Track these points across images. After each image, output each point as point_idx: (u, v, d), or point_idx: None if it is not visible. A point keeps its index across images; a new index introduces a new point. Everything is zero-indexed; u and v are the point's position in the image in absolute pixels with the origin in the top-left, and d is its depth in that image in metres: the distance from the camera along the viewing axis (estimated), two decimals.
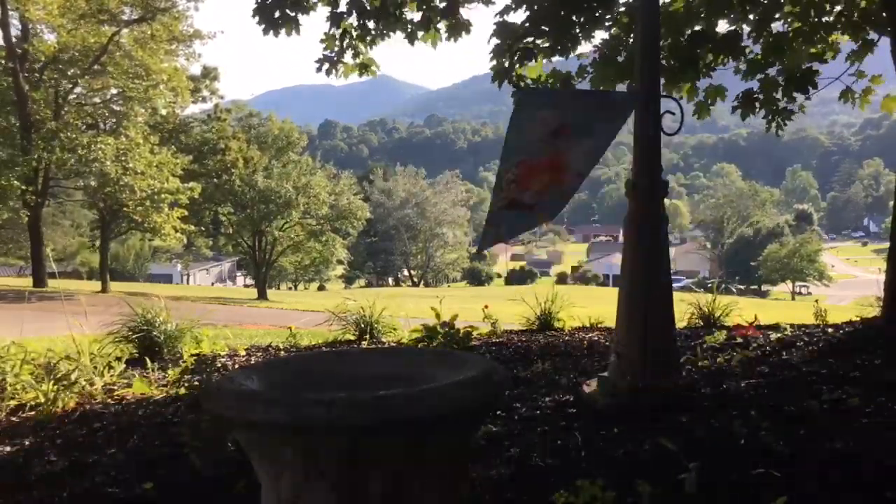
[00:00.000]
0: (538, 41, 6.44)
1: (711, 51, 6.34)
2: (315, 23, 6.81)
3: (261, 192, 29.60)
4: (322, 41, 6.98)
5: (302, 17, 6.56)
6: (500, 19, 6.41)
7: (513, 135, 3.68)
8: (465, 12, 6.85)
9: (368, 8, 6.65)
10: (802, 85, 6.59)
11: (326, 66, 7.10)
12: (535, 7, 6.23)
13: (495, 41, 6.47)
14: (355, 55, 7.16)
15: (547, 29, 6.30)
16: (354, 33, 6.89)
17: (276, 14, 6.40)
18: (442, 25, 6.84)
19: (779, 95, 6.83)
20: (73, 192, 26.51)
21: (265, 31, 6.48)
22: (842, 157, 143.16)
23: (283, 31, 6.49)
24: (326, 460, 1.79)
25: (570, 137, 3.78)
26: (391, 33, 6.94)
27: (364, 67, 7.26)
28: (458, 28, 6.82)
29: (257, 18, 6.41)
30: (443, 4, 6.76)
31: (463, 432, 2.03)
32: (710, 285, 9.32)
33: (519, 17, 6.47)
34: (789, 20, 6.69)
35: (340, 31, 6.88)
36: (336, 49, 7.00)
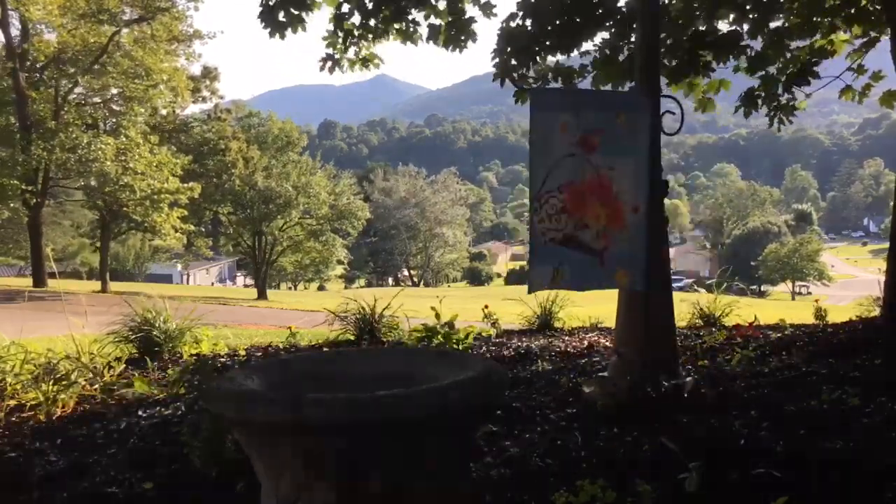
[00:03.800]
0: (542, 41, 6.47)
1: (712, 50, 6.35)
2: (316, 22, 6.83)
3: (261, 191, 29.61)
4: (324, 38, 7.01)
5: (305, 15, 6.60)
6: (504, 25, 6.44)
7: (537, 142, 3.51)
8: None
9: (370, 6, 6.67)
10: (803, 78, 6.61)
11: (329, 64, 7.14)
12: (538, 13, 6.26)
13: (498, 42, 6.51)
14: (357, 52, 7.20)
15: (550, 30, 6.33)
16: (357, 32, 6.92)
17: (281, 16, 6.45)
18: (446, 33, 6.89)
19: (779, 91, 6.85)
20: (73, 192, 26.46)
21: (271, 35, 6.54)
22: (842, 157, 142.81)
23: (289, 31, 6.54)
24: (326, 460, 1.79)
25: (603, 153, 3.58)
26: (391, 35, 6.98)
27: (366, 62, 7.30)
28: (464, 39, 6.86)
29: (263, 23, 6.48)
30: (443, 6, 6.79)
31: (463, 432, 2.03)
32: (710, 284, 9.31)
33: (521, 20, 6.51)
34: (790, 18, 6.71)
35: (343, 31, 6.91)
36: (338, 47, 7.04)
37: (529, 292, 3.88)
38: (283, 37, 6.57)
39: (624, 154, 3.67)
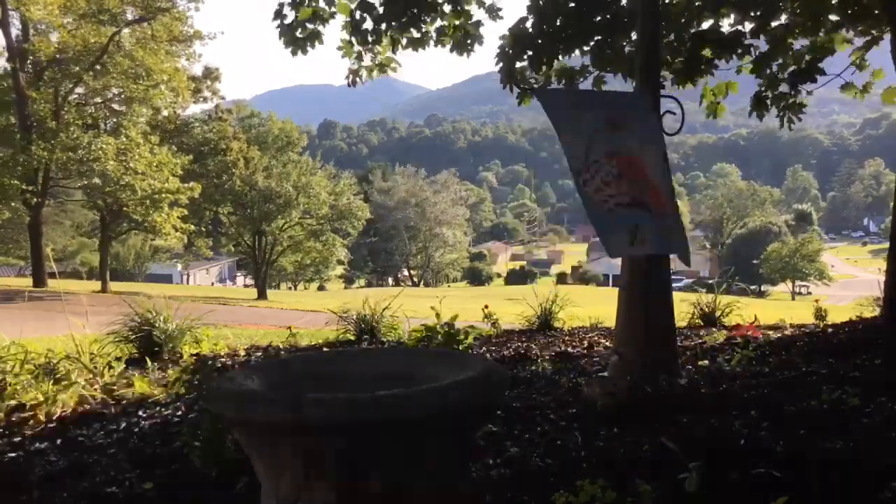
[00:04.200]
0: (547, 41, 6.48)
1: (714, 49, 6.36)
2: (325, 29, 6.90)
3: (261, 191, 29.61)
4: (339, 48, 7.06)
5: (321, 28, 6.73)
6: (511, 28, 6.47)
7: (562, 126, 3.49)
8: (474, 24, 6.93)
9: (383, 13, 6.72)
10: (808, 75, 6.63)
11: (351, 77, 7.25)
12: (545, 15, 6.29)
13: (502, 44, 6.54)
14: (374, 57, 7.28)
15: (556, 31, 6.35)
16: (371, 38, 6.97)
17: (299, 32, 6.57)
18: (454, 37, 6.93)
19: (786, 89, 6.88)
20: (73, 192, 26.44)
21: (293, 53, 6.73)
22: (842, 157, 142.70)
23: (308, 47, 6.66)
24: (326, 460, 1.79)
25: (626, 138, 3.57)
26: (405, 43, 7.02)
27: (383, 67, 7.38)
28: (470, 43, 6.90)
29: (283, 42, 6.61)
30: (449, 9, 6.81)
31: (463, 432, 2.03)
32: (711, 284, 9.34)
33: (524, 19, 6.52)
34: (794, 16, 6.72)
35: (359, 38, 6.97)
36: (354, 55, 7.12)
37: (612, 256, 3.82)
38: (305, 53, 6.74)
39: (645, 142, 3.67)
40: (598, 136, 3.52)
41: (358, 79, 7.30)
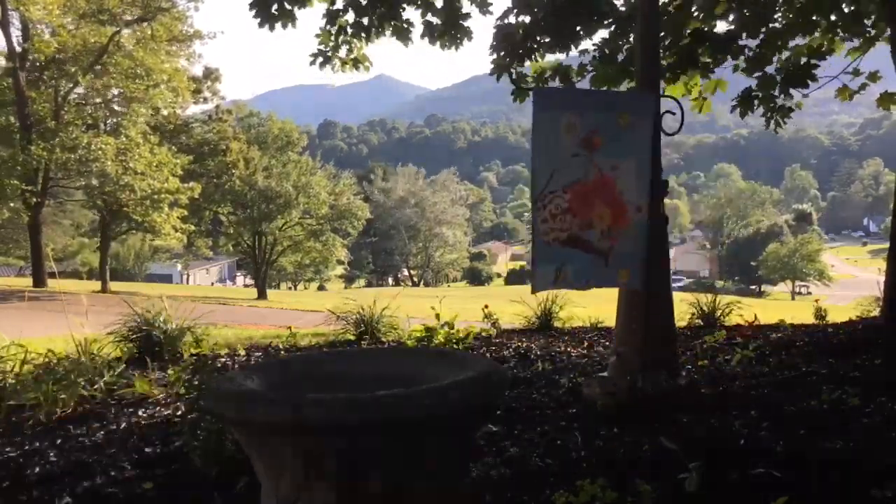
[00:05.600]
0: (538, 38, 6.47)
1: (710, 49, 6.35)
2: (313, 19, 6.86)
3: (261, 191, 29.62)
4: (317, 36, 7.01)
5: (298, 12, 6.63)
6: (500, 23, 6.44)
7: (540, 143, 3.54)
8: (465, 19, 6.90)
9: (364, 4, 6.68)
10: (800, 80, 6.60)
11: (320, 59, 7.17)
12: (535, 10, 6.27)
13: (494, 37, 6.53)
14: (349, 51, 7.22)
15: (547, 33, 6.34)
16: (350, 30, 6.93)
17: (274, 8, 6.44)
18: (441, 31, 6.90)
19: (776, 93, 6.85)
20: (73, 192, 26.40)
21: (261, 25, 6.54)
22: (842, 157, 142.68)
23: (279, 25, 6.53)
24: (326, 460, 1.79)
25: (606, 153, 3.61)
26: (386, 32, 6.98)
27: (357, 63, 7.32)
28: (459, 37, 6.87)
29: (255, 14, 6.47)
30: (440, 4, 6.78)
31: (462, 432, 2.03)
32: (712, 283, 9.31)
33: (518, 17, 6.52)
34: (788, 16, 6.71)
35: (336, 27, 6.92)
36: (331, 44, 7.06)
37: (533, 292, 3.94)
38: (272, 29, 6.56)
39: (626, 154, 3.69)
40: (570, 162, 3.58)
41: (329, 66, 7.25)
